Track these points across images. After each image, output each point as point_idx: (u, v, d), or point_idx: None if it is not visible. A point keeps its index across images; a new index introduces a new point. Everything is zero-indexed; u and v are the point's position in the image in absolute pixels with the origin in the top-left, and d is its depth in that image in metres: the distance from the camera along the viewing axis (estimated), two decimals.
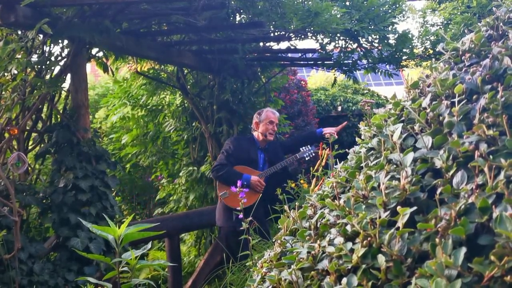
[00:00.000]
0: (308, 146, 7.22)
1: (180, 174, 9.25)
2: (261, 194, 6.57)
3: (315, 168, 5.50)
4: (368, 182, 1.89)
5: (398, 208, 1.64)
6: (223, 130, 8.59)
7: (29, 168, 6.24)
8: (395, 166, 1.87)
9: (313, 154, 7.02)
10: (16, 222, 5.25)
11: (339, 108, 15.51)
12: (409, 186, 1.70)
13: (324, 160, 5.57)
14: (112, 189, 6.62)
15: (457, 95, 1.83)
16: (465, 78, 1.92)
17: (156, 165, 10.30)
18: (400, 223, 1.61)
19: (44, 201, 6.07)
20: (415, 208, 1.63)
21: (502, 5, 2.35)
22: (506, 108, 1.67)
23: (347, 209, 1.88)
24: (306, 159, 7.12)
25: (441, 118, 1.85)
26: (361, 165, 2.09)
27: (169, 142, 9.93)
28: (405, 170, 1.75)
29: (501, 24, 2.19)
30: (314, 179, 5.19)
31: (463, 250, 1.41)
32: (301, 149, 7.10)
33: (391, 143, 1.95)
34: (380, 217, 1.71)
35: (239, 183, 5.24)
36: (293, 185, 6.01)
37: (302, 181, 6.37)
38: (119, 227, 2.69)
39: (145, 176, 11.23)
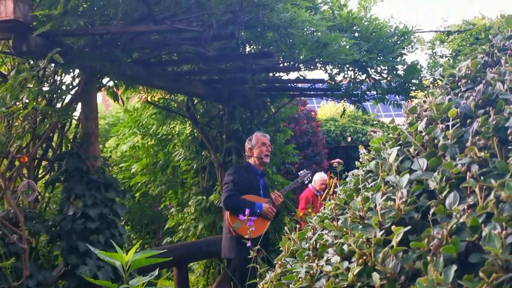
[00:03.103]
0: (305, 170, 7.28)
1: (189, 203, 9.25)
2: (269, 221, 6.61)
3: (323, 196, 5.53)
4: (365, 203, 1.93)
5: (393, 227, 1.67)
6: (232, 159, 8.62)
7: (39, 196, 6.27)
8: (391, 187, 1.91)
9: (310, 178, 7.13)
10: (24, 250, 5.28)
11: (349, 139, 15.56)
12: (403, 207, 1.74)
13: (332, 189, 5.59)
14: (121, 218, 6.64)
15: (451, 119, 1.87)
16: (460, 102, 1.97)
17: (165, 194, 10.32)
18: (394, 242, 1.65)
19: (53, 228, 6.08)
20: (409, 227, 1.67)
21: (499, 33, 2.40)
22: (497, 131, 1.71)
23: (344, 229, 1.92)
24: (306, 182, 7.19)
25: (436, 141, 1.89)
26: (359, 187, 2.13)
27: (179, 171, 9.95)
28: (400, 191, 1.79)
29: (495, 51, 2.24)
30: (322, 208, 5.22)
31: (454, 267, 1.44)
32: (299, 173, 7.17)
33: (388, 166, 1.99)
34: (375, 236, 1.75)
35: (247, 211, 5.27)
36: (301, 213, 6.03)
37: (309, 210, 6.40)
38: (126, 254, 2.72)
39: (154, 205, 11.24)
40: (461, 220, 1.54)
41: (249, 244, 4.70)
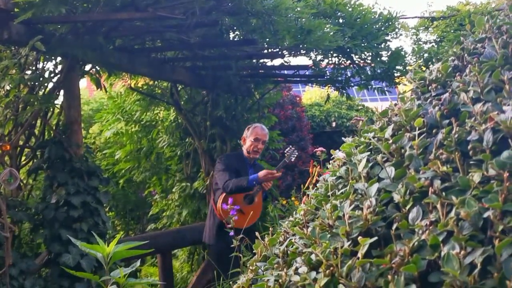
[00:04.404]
0: (290, 146, 7.16)
1: (173, 189, 9.26)
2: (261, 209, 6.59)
3: (306, 185, 5.53)
4: (334, 211, 1.92)
5: (359, 238, 1.67)
6: (216, 146, 8.62)
7: (21, 184, 6.25)
8: (360, 195, 1.91)
9: (297, 153, 7.00)
10: (7, 238, 5.27)
11: (333, 124, 15.56)
12: (371, 216, 1.74)
13: (314, 178, 5.59)
14: (104, 205, 6.63)
15: (417, 128, 1.87)
16: (428, 110, 1.97)
17: (149, 181, 10.30)
18: (360, 254, 1.65)
19: (36, 217, 6.08)
20: (375, 238, 1.67)
21: (471, 35, 2.40)
22: (459, 145, 1.71)
23: (313, 238, 1.92)
24: (292, 160, 7.05)
25: (403, 150, 1.89)
26: (329, 193, 2.12)
27: (163, 157, 9.91)
28: (368, 200, 1.79)
29: (465, 55, 2.23)
30: (305, 197, 5.22)
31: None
32: (285, 153, 7.04)
33: (358, 173, 1.99)
34: (343, 246, 1.75)
35: (230, 200, 5.26)
36: (284, 202, 6.04)
37: (293, 198, 6.41)
38: (108, 244, 2.73)
39: (138, 192, 11.22)
40: (422, 237, 1.54)
41: (232, 233, 4.73)
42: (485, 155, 1.59)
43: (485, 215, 1.45)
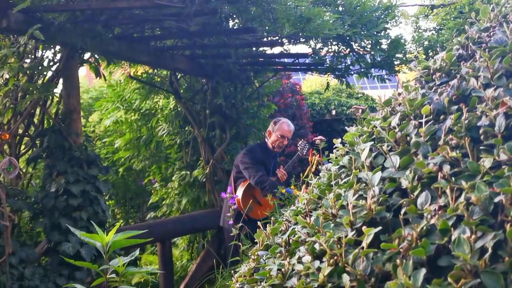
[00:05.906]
0: (303, 140, 7.24)
1: (173, 178, 9.25)
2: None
3: (305, 174, 5.51)
4: (338, 200, 1.91)
5: (364, 228, 1.66)
6: (216, 134, 8.60)
7: (21, 173, 6.23)
8: (364, 185, 1.89)
9: (308, 147, 7.07)
10: (7, 227, 5.26)
11: (333, 112, 15.49)
12: (375, 206, 1.72)
13: (314, 166, 5.58)
14: (104, 194, 6.63)
15: (424, 116, 1.85)
16: (433, 98, 1.95)
17: (149, 169, 10.28)
18: (364, 243, 1.64)
19: (35, 205, 6.08)
20: (379, 228, 1.65)
21: (476, 23, 2.37)
22: (469, 131, 1.70)
23: (316, 227, 1.90)
24: (305, 153, 7.10)
25: (408, 138, 1.87)
26: (331, 183, 2.11)
27: (162, 146, 9.90)
28: (372, 189, 1.77)
29: (470, 44, 2.21)
30: (304, 186, 5.20)
31: (423, 271, 1.44)
32: (298, 146, 7.10)
33: (361, 162, 1.97)
34: (346, 236, 1.74)
35: (229, 188, 5.27)
36: (283, 191, 6.02)
37: (293, 187, 6.39)
38: (107, 233, 2.72)
39: (138, 180, 11.20)
40: (431, 222, 1.53)
41: (231, 222, 4.74)
42: (497, 139, 1.58)
43: (496, 199, 1.45)
